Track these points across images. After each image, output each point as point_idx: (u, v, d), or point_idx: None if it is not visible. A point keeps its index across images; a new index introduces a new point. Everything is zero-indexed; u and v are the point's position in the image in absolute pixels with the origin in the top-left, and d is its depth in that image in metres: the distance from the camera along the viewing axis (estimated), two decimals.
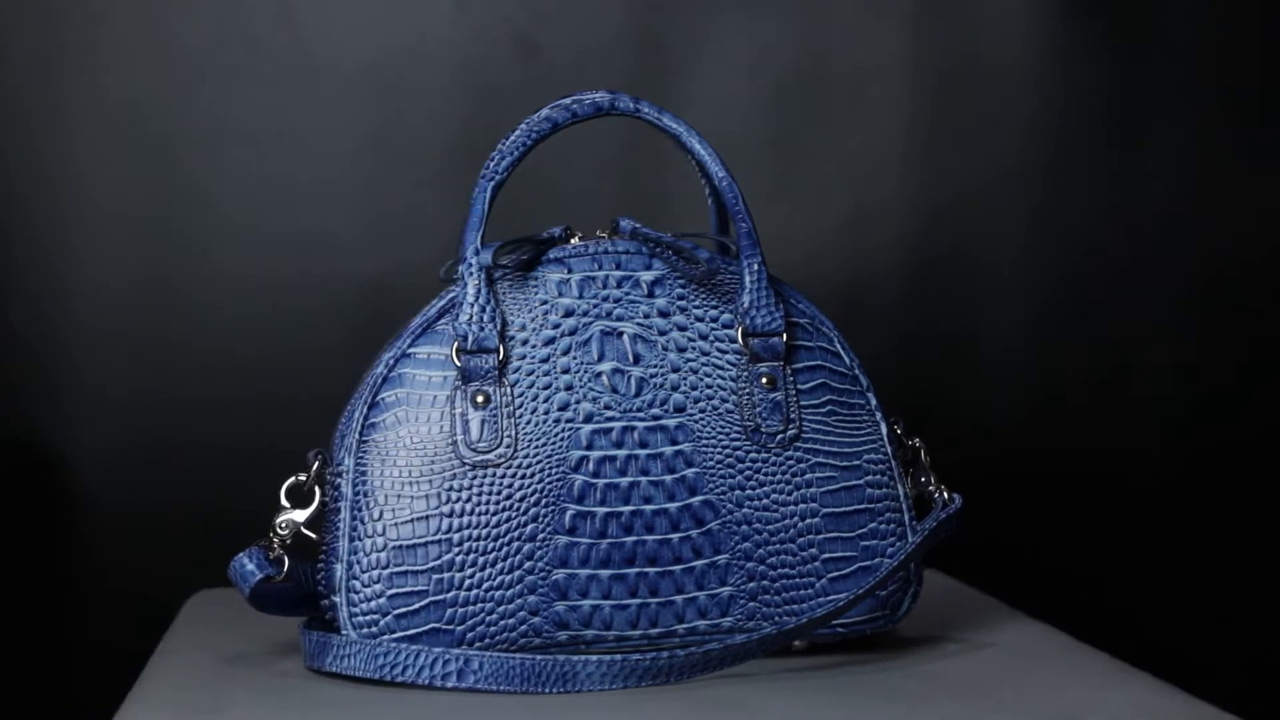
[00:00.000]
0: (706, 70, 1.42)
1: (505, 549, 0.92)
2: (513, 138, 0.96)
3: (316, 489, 0.94)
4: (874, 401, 0.99)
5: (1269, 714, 1.40)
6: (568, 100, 0.98)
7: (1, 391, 1.40)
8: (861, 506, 0.97)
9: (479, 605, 0.92)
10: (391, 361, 0.94)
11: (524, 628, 0.92)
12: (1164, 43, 1.44)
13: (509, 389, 0.94)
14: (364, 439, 0.93)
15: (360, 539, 0.92)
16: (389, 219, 1.41)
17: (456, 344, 0.94)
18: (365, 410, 0.94)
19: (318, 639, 0.93)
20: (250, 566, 0.95)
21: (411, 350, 0.94)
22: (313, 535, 0.94)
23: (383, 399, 0.94)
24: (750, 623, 0.95)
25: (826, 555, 0.96)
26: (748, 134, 1.43)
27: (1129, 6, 1.44)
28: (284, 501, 0.94)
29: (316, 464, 0.94)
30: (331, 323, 1.41)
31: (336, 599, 0.92)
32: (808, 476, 0.96)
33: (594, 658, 0.91)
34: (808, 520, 0.96)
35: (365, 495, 0.93)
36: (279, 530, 0.94)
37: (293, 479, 0.94)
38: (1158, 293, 1.45)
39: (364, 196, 1.41)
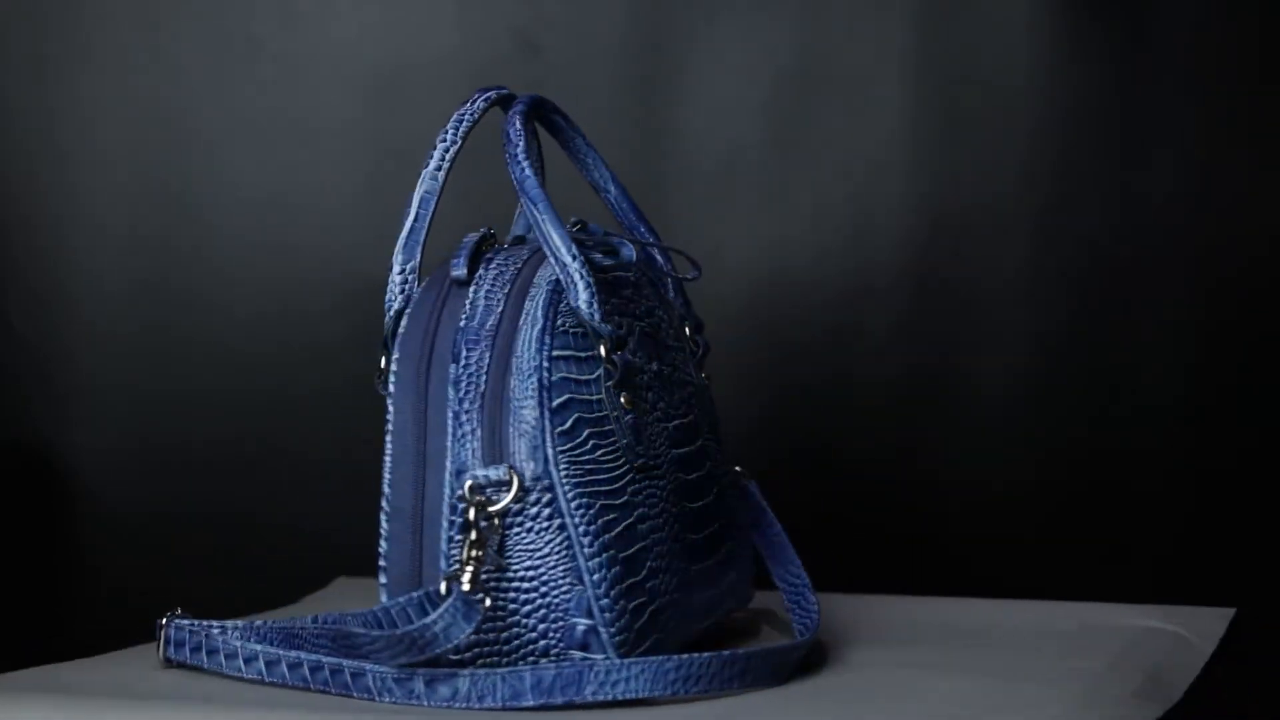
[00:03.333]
0: (706, 70, 1.42)
1: (671, 550, 0.90)
2: (518, 131, 0.94)
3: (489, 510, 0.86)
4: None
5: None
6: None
7: (3, 392, 1.40)
8: (731, 491, 1.00)
9: (673, 610, 0.90)
10: (546, 364, 0.88)
11: (683, 628, 0.91)
12: (1164, 43, 1.43)
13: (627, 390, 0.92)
14: (558, 449, 0.87)
15: (596, 555, 0.86)
16: (389, 219, 1.41)
17: (605, 345, 0.89)
18: (549, 415, 0.87)
19: (562, 672, 0.84)
20: (459, 618, 0.84)
21: (556, 352, 0.88)
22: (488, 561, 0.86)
23: (559, 403, 0.87)
24: (735, 604, 0.98)
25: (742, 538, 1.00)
26: (748, 135, 1.43)
27: (1129, 7, 1.44)
28: (473, 528, 0.85)
29: (516, 482, 0.86)
30: (333, 323, 1.40)
31: (590, 621, 0.86)
32: (723, 466, 0.99)
33: (793, 643, 0.92)
34: (732, 505, 0.99)
35: (583, 508, 0.86)
36: (474, 560, 0.85)
37: (485, 501, 0.85)
38: (1159, 293, 1.45)
39: (364, 197, 1.41)
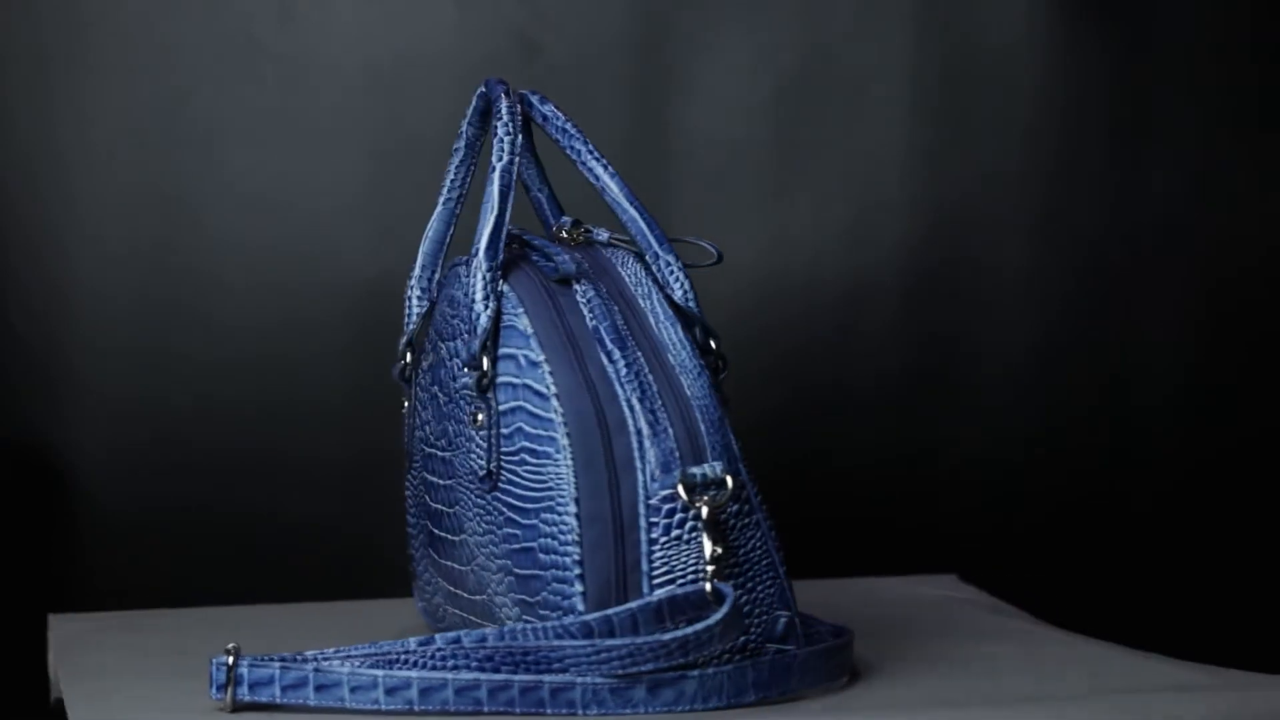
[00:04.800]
0: (706, 70, 1.42)
1: None
2: (576, 125, 0.95)
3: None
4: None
5: None
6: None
7: (3, 393, 1.40)
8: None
9: None
10: (700, 361, 0.89)
11: None
12: (1164, 43, 1.44)
13: None
14: (738, 445, 0.87)
15: (780, 548, 0.87)
16: (389, 221, 1.41)
17: (715, 340, 0.92)
18: (725, 412, 0.88)
19: (775, 665, 0.84)
20: (738, 618, 0.83)
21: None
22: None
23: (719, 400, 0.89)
24: None
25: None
26: (748, 135, 1.43)
27: (1129, 6, 1.44)
28: (709, 526, 0.83)
29: (731, 479, 0.85)
30: (332, 325, 1.40)
31: (789, 613, 0.86)
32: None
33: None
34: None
35: (764, 503, 0.87)
36: (717, 559, 0.83)
37: (717, 498, 0.84)
38: (1159, 293, 1.45)
39: (364, 198, 1.41)
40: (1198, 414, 1.46)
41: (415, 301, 0.99)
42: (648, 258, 0.93)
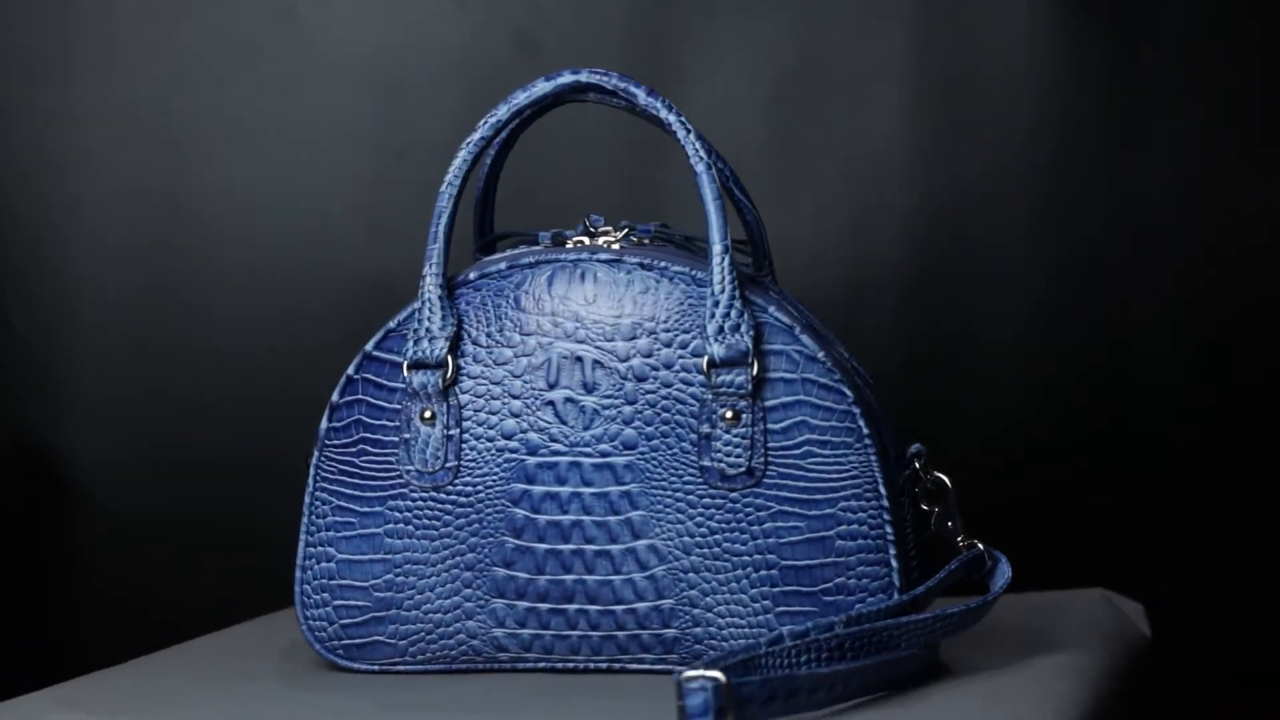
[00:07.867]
0: (706, 70, 1.42)
1: None
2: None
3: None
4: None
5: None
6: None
7: (3, 393, 1.40)
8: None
9: None
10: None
11: None
12: (1164, 43, 1.43)
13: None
14: None
15: None
16: (389, 219, 1.41)
17: None
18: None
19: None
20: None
21: None
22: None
23: None
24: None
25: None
26: (748, 135, 1.43)
27: (1128, 6, 1.44)
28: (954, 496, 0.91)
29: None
30: (332, 324, 1.40)
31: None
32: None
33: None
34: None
35: None
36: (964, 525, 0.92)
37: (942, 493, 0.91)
38: (1157, 292, 1.45)
39: (365, 197, 1.41)
40: (1196, 412, 1.46)
41: (443, 303, 0.93)
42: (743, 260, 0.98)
